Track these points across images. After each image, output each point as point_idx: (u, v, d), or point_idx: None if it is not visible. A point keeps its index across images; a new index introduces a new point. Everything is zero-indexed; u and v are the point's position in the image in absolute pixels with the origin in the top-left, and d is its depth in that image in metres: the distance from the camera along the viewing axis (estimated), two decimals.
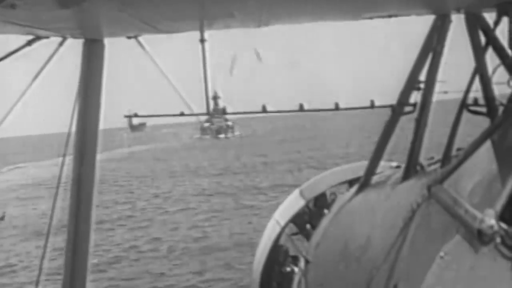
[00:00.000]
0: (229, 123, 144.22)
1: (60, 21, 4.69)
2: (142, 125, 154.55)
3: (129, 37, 5.92)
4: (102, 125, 6.37)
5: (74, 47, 5.86)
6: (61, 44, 5.64)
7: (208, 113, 6.22)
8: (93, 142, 6.30)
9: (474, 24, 5.23)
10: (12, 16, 4.00)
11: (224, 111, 6.43)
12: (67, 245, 6.51)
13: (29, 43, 5.41)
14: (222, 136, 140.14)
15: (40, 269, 6.98)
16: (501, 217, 3.50)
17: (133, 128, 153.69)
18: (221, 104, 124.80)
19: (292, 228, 9.48)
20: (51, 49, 5.69)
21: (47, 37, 5.42)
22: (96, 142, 6.33)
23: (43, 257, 6.90)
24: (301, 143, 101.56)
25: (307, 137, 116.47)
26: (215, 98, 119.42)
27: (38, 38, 5.38)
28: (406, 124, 6.27)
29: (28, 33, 5.24)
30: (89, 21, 5.09)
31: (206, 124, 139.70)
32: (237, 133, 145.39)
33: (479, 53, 5.20)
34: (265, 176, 61.93)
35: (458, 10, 5.38)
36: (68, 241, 6.49)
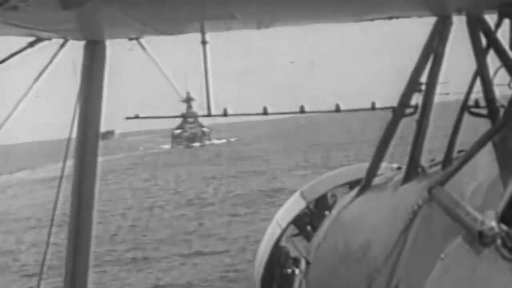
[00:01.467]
0: (205, 129, 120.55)
1: (62, 23, 4.70)
2: (110, 133, 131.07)
3: (130, 39, 5.92)
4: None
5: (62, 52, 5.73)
6: (62, 45, 5.64)
7: (209, 115, 6.22)
8: (94, 143, 6.31)
9: (476, 26, 5.23)
10: (14, 18, 4.01)
11: (225, 112, 6.41)
12: (68, 248, 6.50)
13: (31, 44, 5.41)
14: (197, 144, 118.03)
15: (41, 274, 6.98)
16: (502, 219, 3.51)
17: (100, 136, 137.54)
18: (195, 107, 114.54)
19: (293, 229, 9.47)
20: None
21: (49, 39, 5.42)
22: (97, 143, 6.34)
23: (43, 263, 6.88)
24: (295, 157, 74.10)
25: (300, 149, 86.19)
26: (188, 100, 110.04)
27: (40, 39, 5.39)
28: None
29: (30, 35, 5.24)
30: (90, 23, 5.09)
31: (178, 131, 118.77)
32: (214, 140, 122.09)
33: (480, 55, 5.20)
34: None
35: (459, 12, 5.38)
36: (69, 244, 6.48)
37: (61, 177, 6.43)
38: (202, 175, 66.20)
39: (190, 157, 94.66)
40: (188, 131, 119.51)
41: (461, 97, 5.38)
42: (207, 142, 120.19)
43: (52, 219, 6.54)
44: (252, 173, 63.84)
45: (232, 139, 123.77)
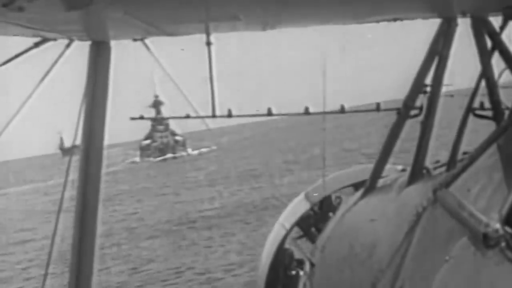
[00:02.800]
0: (178, 138, 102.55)
1: (67, 24, 4.72)
2: (76, 147, 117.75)
3: (135, 40, 5.94)
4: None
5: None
6: (67, 46, 5.66)
7: (213, 116, 6.21)
8: (99, 146, 6.31)
9: (480, 28, 5.23)
10: (19, 18, 4.03)
11: (229, 113, 6.39)
12: (72, 258, 6.49)
13: (36, 45, 5.43)
14: (169, 155, 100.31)
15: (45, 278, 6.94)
16: (506, 221, 3.50)
17: (64, 151, 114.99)
18: (164, 111, 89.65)
19: (297, 231, 9.46)
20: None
21: (54, 39, 5.44)
22: (102, 145, 6.34)
23: (46, 269, 6.86)
24: (302, 173, 48.36)
25: (302, 160, 61.98)
26: (156, 104, 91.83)
27: (45, 40, 5.41)
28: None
29: (35, 35, 5.26)
30: (95, 24, 5.11)
31: (146, 142, 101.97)
32: (189, 150, 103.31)
33: (485, 57, 5.20)
34: None
35: (464, 14, 5.38)
36: (73, 253, 6.48)
37: (64, 187, 6.42)
38: (170, 215, 40.07)
39: (157, 176, 70.23)
40: (158, 140, 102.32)
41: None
42: (183, 153, 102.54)
43: (54, 231, 6.48)
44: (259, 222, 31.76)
45: (211, 148, 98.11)
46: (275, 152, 79.76)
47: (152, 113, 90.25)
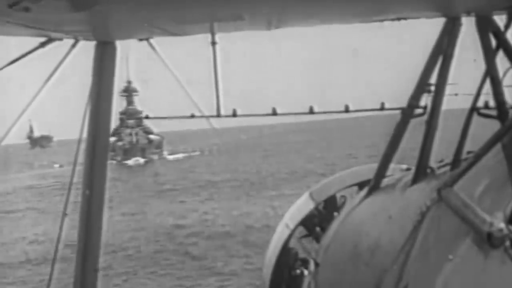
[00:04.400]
0: (154, 137, 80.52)
1: (72, 24, 4.74)
2: (46, 138, 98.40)
3: (140, 40, 5.96)
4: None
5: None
6: (73, 46, 5.69)
7: (218, 115, 6.22)
8: (105, 143, 6.35)
9: (485, 27, 5.23)
10: (25, 18, 4.06)
11: (234, 113, 6.39)
12: (78, 250, 6.52)
13: (42, 44, 5.47)
14: (137, 160, 77.93)
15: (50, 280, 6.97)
16: (511, 221, 3.51)
17: (33, 142, 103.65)
18: (137, 103, 77.02)
19: (302, 230, 9.46)
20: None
21: (60, 39, 5.47)
22: (107, 143, 6.38)
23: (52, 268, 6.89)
24: None
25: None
26: (129, 90, 76.16)
27: (51, 40, 5.44)
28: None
29: (41, 35, 5.29)
30: (101, 24, 5.14)
31: (111, 139, 59.79)
32: (165, 153, 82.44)
33: (489, 56, 5.19)
34: None
35: (468, 13, 5.38)
36: (79, 245, 6.51)
37: (71, 179, 6.46)
38: None
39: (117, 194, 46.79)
40: (125, 139, 79.09)
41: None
42: (155, 157, 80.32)
43: (61, 228, 6.50)
44: None
45: (192, 154, 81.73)
46: (271, 165, 61.11)
47: (123, 100, 76.04)
